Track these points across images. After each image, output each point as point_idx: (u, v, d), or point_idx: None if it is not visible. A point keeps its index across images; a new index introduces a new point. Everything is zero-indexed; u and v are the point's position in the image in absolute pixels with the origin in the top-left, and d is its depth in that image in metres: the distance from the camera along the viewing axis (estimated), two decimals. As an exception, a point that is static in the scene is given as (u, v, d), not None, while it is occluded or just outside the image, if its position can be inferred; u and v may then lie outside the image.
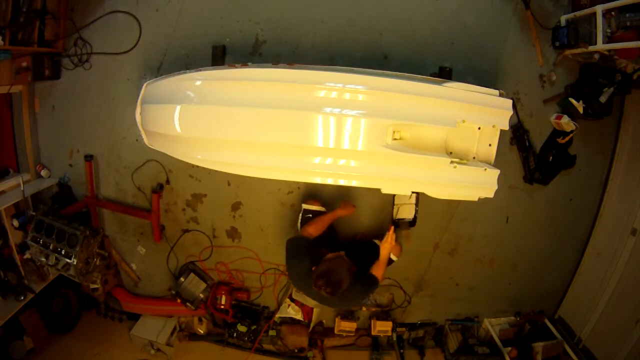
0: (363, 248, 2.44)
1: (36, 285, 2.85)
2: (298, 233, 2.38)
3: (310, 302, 3.07)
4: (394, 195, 2.71)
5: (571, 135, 2.67)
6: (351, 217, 2.80)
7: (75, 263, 2.63)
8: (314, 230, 2.19)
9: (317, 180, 1.91)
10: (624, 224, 2.82)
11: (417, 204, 2.70)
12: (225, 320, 3.23)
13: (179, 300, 3.08)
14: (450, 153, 1.91)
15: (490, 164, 1.93)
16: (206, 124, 1.88)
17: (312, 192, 2.87)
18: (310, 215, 2.45)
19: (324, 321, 3.32)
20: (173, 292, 3.10)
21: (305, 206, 2.53)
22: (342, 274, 1.88)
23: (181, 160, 2.08)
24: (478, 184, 1.91)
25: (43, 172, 2.96)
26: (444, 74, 2.49)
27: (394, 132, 1.77)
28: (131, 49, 2.74)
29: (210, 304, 3.12)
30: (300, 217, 2.54)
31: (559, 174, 2.87)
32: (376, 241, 2.36)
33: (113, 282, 3.26)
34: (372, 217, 2.93)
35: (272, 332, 3.22)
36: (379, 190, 1.91)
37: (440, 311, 3.34)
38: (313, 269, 1.96)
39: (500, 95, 1.91)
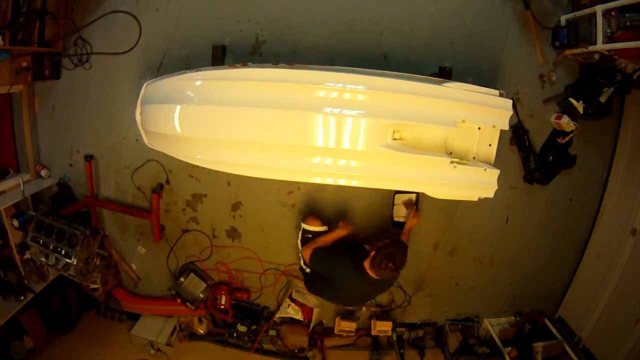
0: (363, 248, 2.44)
1: (36, 285, 2.85)
2: (300, 251, 2.43)
3: (312, 301, 3.06)
4: (394, 195, 2.71)
5: (571, 135, 2.67)
6: (353, 218, 2.88)
7: (75, 263, 2.62)
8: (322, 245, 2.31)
9: (317, 180, 1.92)
10: (624, 224, 2.82)
11: (417, 204, 2.70)
12: (225, 320, 3.22)
13: (179, 300, 3.08)
14: (450, 153, 1.91)
15: (490, 164, 1.93)
16: (206, 124, 1.88)
17: (311, 209, 2.87)
18: (310, 236, 2.44)
19: (324, 321, 3.32)
20: (173, 292, 3.10)
21: (304, 226, 2.50)
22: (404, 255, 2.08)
23: (181, 160, 2.08)
24: (478, 184, 1.91)
25: (43, 172, 2.97)
26: (444, 74, 2.49)
27: (394, 132, 1.77)
28: (131, 49, 2.74)
29: (210, 304, 3.12)
30: (300, 236, 2.53)
31: (559, 174, 2.87)
32: (366, 247, 2.42)
33: (113, 282, 3.26)
34: (372, 217, 2.92)
35: (272, 332, 3.22)
36: (378, 190, 1.91)
37: (440, 311, 3.34)
38: (372, 253, 2.07)
39: (500, 95, 1.91)
